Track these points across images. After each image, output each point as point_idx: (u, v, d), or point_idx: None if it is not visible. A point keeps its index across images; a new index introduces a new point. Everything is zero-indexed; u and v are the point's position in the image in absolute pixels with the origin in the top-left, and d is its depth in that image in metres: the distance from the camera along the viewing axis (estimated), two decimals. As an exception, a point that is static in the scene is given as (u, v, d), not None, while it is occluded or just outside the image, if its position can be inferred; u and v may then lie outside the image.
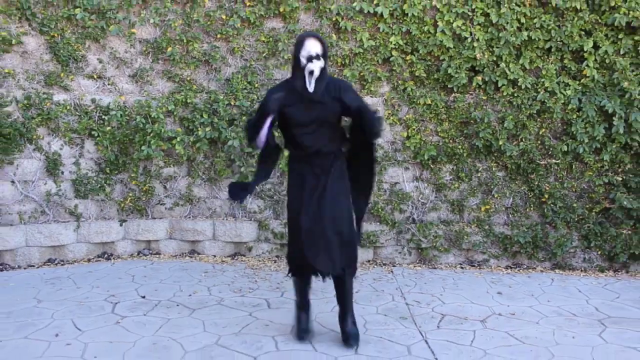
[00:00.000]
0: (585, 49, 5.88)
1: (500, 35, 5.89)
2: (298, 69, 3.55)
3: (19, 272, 5.44)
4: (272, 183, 6.17)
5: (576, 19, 5.87)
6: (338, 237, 3.59)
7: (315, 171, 3.63)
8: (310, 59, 3.47)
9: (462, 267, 6.05)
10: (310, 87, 3.52)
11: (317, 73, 3.49)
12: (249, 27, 6.13)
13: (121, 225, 6.07)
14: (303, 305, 3.97)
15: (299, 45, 3.54)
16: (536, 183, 6.04)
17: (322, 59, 3.50)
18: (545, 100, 5.95)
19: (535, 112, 6.00)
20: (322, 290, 4.97)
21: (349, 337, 3.76)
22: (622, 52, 5.89)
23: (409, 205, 6.20)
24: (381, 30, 6.03)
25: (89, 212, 5.98)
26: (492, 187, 6.14)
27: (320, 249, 3.55)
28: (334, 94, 3.58)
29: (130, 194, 6.07)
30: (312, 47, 3.50)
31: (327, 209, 3.55)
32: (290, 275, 3.88)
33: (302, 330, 3.89)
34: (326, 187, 3.58)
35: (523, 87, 5.94)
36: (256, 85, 6.10)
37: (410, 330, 4.13)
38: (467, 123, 6.09)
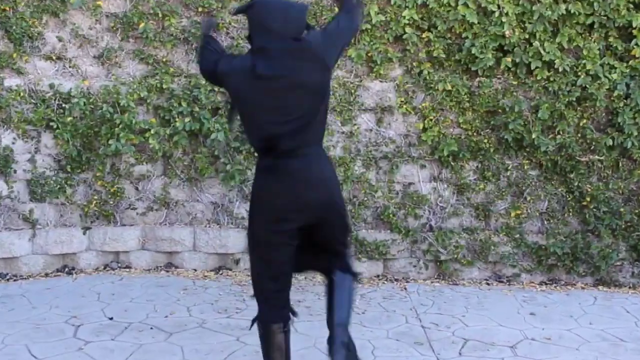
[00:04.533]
0: (634, 25, 5.87)
1: (534, 8, 5.88)
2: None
3: (-36, 289, 5.45)
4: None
5: (624, -11, 5.88)
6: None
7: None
8: None
9: (488, 283, 6.06)
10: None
11: None
12: (236, 0, 6.14)
13: (85, 233, 6.08)
14: None
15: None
16: (576, 184, 6.05)
17: None
18: (587, 86, 5.95)
19: (574, 99, 6.00)
20: (322, 312, 4.97)
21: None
22: (677, 29, 5.90)
23: (426, 210, 6.21)
24: (392, 2, 6.02)
25: (46, 218, 5.98)
26: (523, 188, 6.14)
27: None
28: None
29: (96, 197, 6.07)
30: None
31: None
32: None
33: None
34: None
35: (560, 70, 5.94)
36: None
37: (426, 358, 4.14)
38: (494, 112, 6.10)
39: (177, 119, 5.95)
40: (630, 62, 5.97)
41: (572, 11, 5.89)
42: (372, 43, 6.07)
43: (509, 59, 5.99)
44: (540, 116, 5.96)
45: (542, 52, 5.92)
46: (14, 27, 5.79)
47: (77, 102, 5.87)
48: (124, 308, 4.95)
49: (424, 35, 6.07)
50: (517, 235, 6.11)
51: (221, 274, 6.08)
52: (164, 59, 6.12)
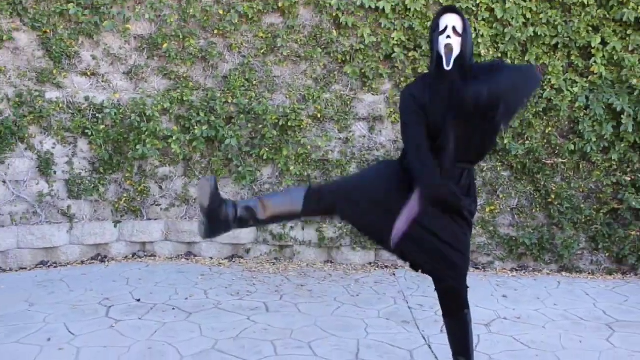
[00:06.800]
0: (593, 45, 5.88)
1: (506, 31, 5.90)
2: (435, 51, 2.99)
3: (10, 274, 5.45)
4: (270, 183, 6.17)
5: (584, 14, 5.87)
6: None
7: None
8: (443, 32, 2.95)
9: (466, 270, 6.05)
10: (448, 65, 2.90)
11: (455, 48, 2.91)
12: (247, 23, 6.13)
13: (115, 226, 6.08)
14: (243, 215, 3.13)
15: (434, 24, 3.02)
16: (542, 183, 6.05)
17: (460, 36, 2.94)
18: (552, 98, 5.96)
19: (541, 110, 6.00)
20: (322, 295, 4.98)
21: None
22: (630, 49, 5.90)
23: (412, 206, 6.19)
24: (383, 26, 6.03)
25: (82, 213, 5.99)
26: (497, 187, 6.14)
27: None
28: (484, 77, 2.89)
29: (125, 195, 6.07)
30: (448, 21, 2.96)
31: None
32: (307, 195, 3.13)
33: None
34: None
35: (529, 84, 5.93)
36: (254, 82, 6.11)
37: (412, 335, 4.14)
38: (472, 121, 6.09)
39: (195, 127, 5.95)
40: (590, 78, 5.97)
41: (539, 33, 5.89)
42: (365, 61, 6.08)
43: (484, 75, 5.98)
44: (511, 124, 5.96)
45: (513, 68, 5.91)
46: (54, 47, 5.79)
47: (108, 112, 5.87)
48: (149, 291, 4.95)
49: (410, 55, 6.07)
50: (491, 228, 6.12)
51: (234, 261, 6.08)
52: (185, 75, 6.12)
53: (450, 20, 2.94)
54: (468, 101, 2.76)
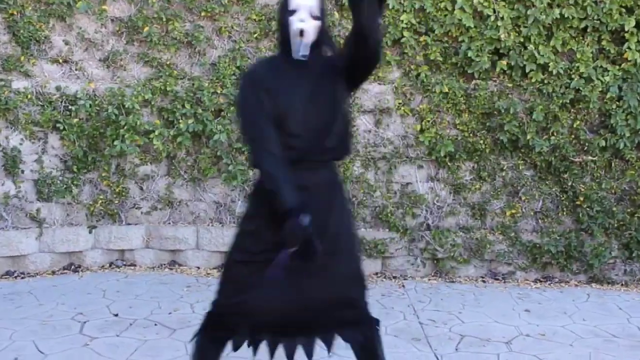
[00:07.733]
0: (626, 29, 5.87)
1: (529, 12, 5.89)
2: (284, 35, 2.75)
3: (-27, 286, 5.45)
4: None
5: (616, -6, 5.88)
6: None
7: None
8: (294, 12, 2.71)
9: (484, 281, 6.06)
10: (299, 52, 2.68)
11: (310, 34, 2.68)
12: (238, 4, 6.13)
13: (90, 232, 6.07)
14: None
15: (283, 2, 2.78)
16: (570, 184, 6.05)
17: (318, 19, 2.73)
18: (581, 88, 5.95)
19: (568, 101, 6.00)
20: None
21: None
22: (669, 33, 5.90)
23: (423, 209, 6.21)
24: (391, 7, 6.02)
25: (53, 217, 5.98)
26: (518, 188, 6.14)
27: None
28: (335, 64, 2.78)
29: (101, 197, 6.07)
30: (300, 0, 2.71)
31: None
32: (199, 336, 3.06)
33: None
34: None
35: (554, 72, 5.94)
36: (246, 70, 6.10)
37: (424, 354, 4.14)
38: (490, 114, 6.09)
39: (180, 121, 5.95)
40: (623, 65, 5.96)
41: (565, 15, 5.89)
42: (370, 46, 6.06)
43: (505, 62, 5.98)
44: (535, 118, 5.96)
45: (536, 55, 5.91)
46: (22, 31, 5.79)
47: (83, 104, 5.87)
48: (128, 305, 4.95)
49: (421, 39, 6.07)
50: (512, 234, 6.11)
51: (223, 271, 6.07)
52: (168, 62, 6.12)
53: (304, 0, 2.70)
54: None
